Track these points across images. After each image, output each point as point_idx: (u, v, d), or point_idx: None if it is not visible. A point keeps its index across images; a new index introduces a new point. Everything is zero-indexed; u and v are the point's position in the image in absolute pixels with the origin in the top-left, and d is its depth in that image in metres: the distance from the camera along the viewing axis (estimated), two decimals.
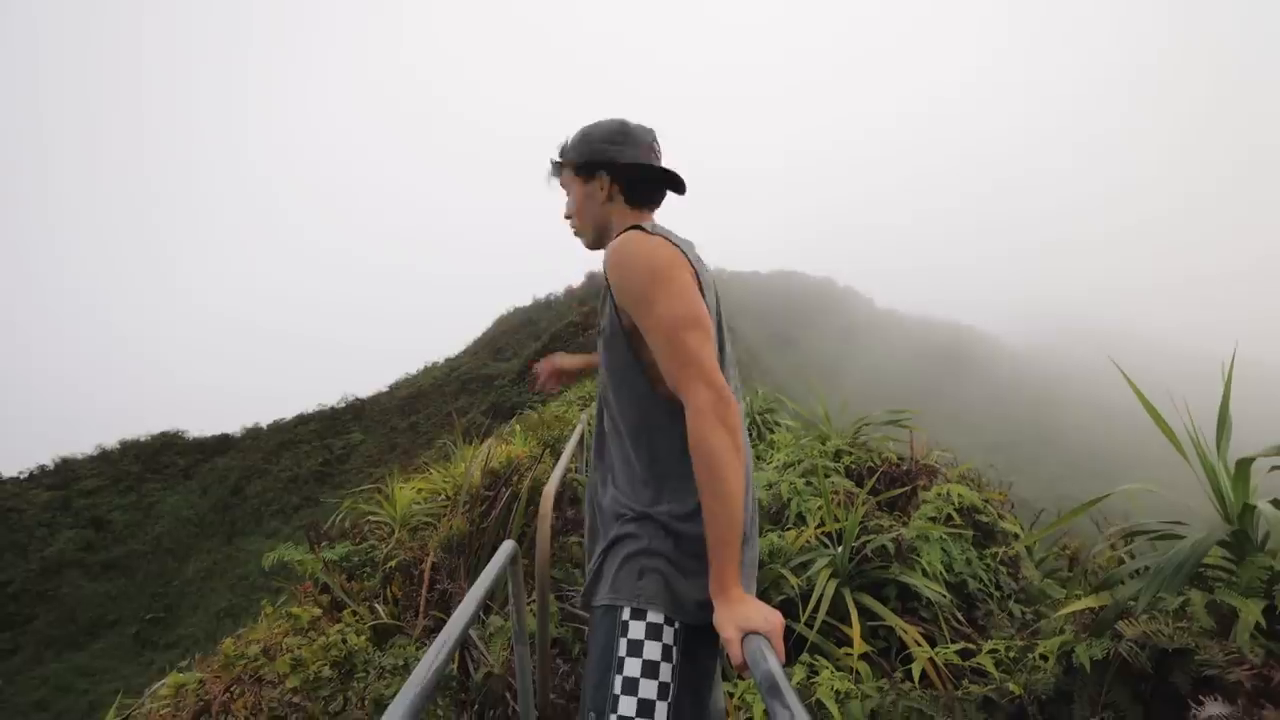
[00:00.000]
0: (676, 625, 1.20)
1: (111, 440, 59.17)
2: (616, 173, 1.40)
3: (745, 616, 1.09)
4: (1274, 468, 1.97)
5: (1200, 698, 1.56)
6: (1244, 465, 1.95)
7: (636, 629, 1.18)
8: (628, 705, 1.14)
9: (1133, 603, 1.93)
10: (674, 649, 1.19)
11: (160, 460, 57.72)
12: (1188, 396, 2.07)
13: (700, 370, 1.17)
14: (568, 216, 1.48)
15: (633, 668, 1.16)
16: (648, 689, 1.15)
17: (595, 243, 1.46)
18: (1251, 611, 1.69)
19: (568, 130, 1.52)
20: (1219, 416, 2.17)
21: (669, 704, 1.16)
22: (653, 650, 1.17)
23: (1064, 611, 2.12)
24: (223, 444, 60.29)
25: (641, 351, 1.29)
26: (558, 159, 1.47)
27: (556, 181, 1.51)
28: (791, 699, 0.98)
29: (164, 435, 60.90)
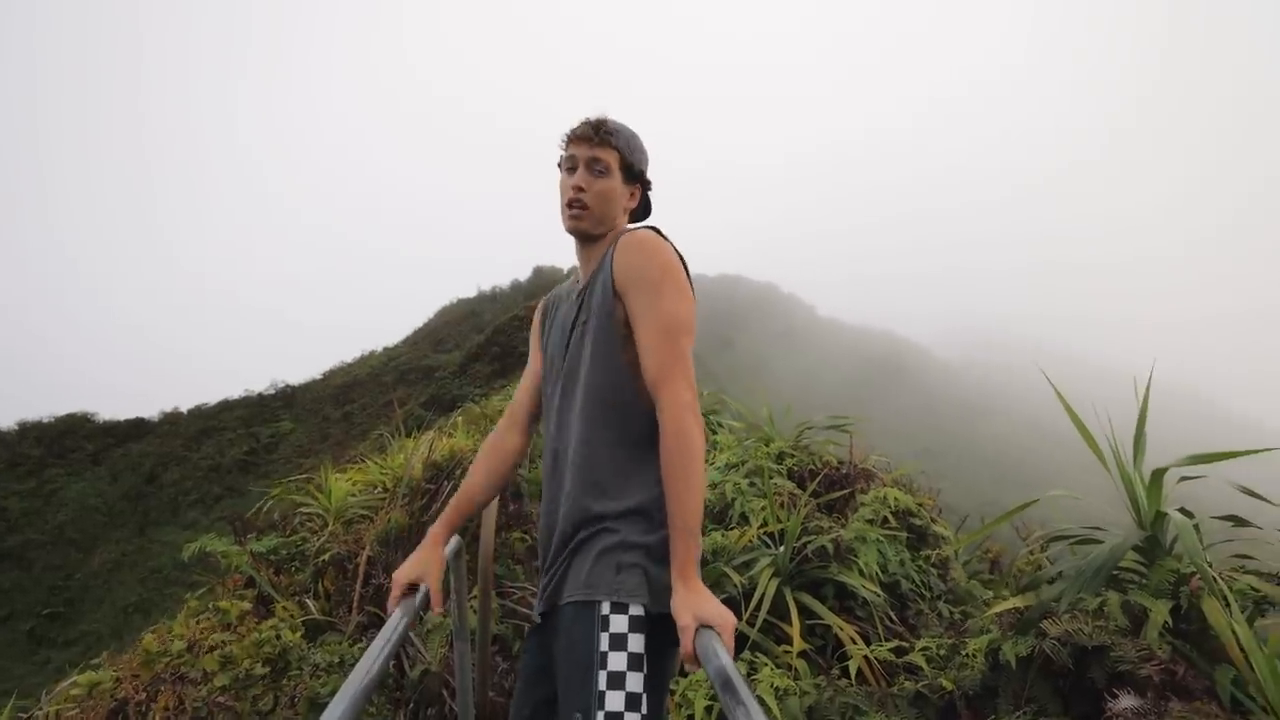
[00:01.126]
0: (653, 616, 1.21)
1: (8, 421, 54.73)
2: (646, 191, 1.50)
3: (701, 608, 1.12)
4: (1184, 478, 2.12)
5: (1114, 691, 1.66)
6: (1158, 476, 2.09)
7: (618, 623, 1.18)
8: (615, 700, 1.13)
9: (1055, 603, 2.04)
10: (654, 640, 1.20)
11: (65, 444, 53.75)
12: (1114, 416, 2.22)
13: (686, 370, 1.27)
14: (581, 190, 1.36)
15: (617, 662, 1.15)
16: (634, 682, 1.14)
17: (591, 229, 1.39)
18: (1160, 611, 1.81)
19: (588, 112, 1.43)
20: (1136, 431, 2.33)
21: (654, 696, 1.18)
22: (636, 643, 1.17)
23: (992, 611, 2.23)
24: (137, 429, 56.66)
25: (626, 341, 1.31)
26: (607, 134, 1.38)
27: (575, 146, 1.39)
28: (745, 694, 0.99)
29: (70, 418, 56.71)
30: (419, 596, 1.34)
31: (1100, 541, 2.25)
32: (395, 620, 1.26)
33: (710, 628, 1.10)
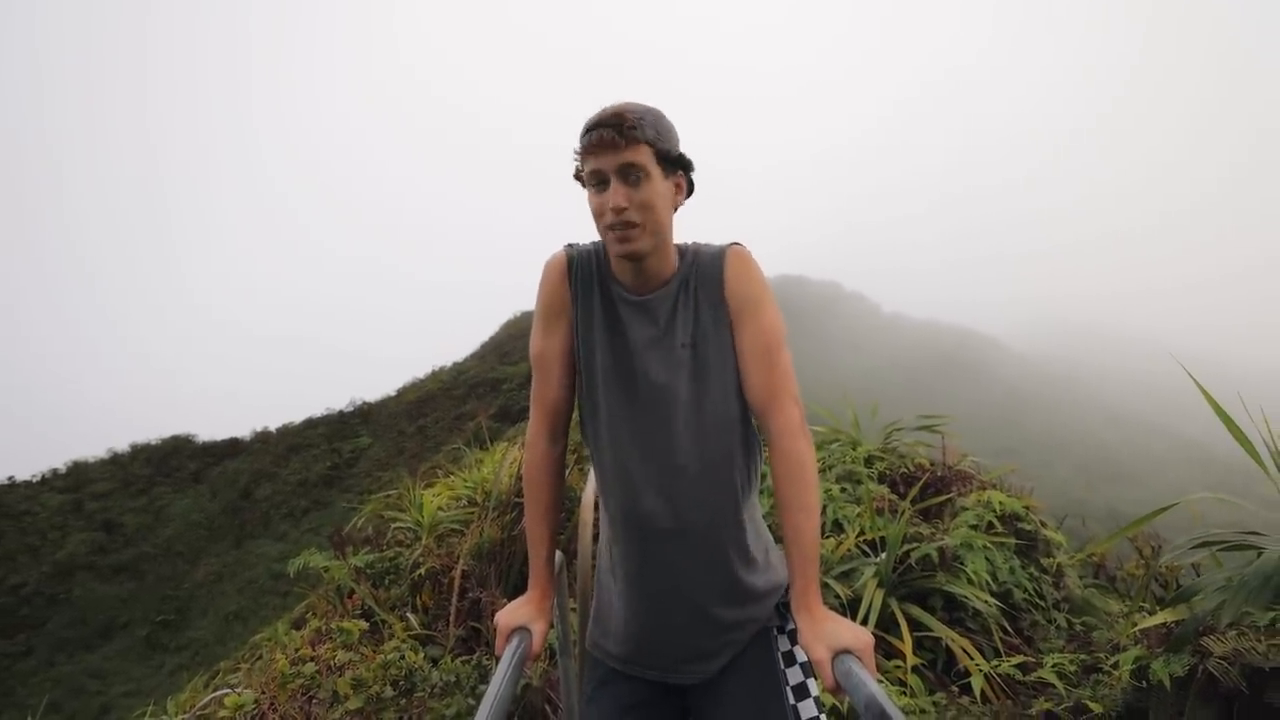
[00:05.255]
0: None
1: (122, 444, 59.56)
2: (689, 179, 1.23)
3: (834, 634, 1.05)
4: None
5: None
6: None
7: (783, 641, 1.24)
8: (808, 708, 1.19)
9: (1212, 618, 1.85)
10: None
11: (170, 464, 58.06)
12: (1195, 401, 2.00)
13: (793, 386, 1.19)
14: (623, 208, 1.13)
15: (795, 675, 1.22)
16: (814, 687, 1.21)
17: (648, 248, 1.17)
18: None
19: (612, 100, 1.18)
20: None
21: None
22: (801, 654, 1.23)
23: (1143, 625, 2.04)
24: (232, 448, 60.56)
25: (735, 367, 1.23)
26: (632, 130, 1.12)
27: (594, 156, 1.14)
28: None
29: (174, 439, 61.24)
30: (525, 639, 1.24)
31: (1255, 548, 2.03)
32: (506, 663, 1.17)
33: (849, 653, 1.03)
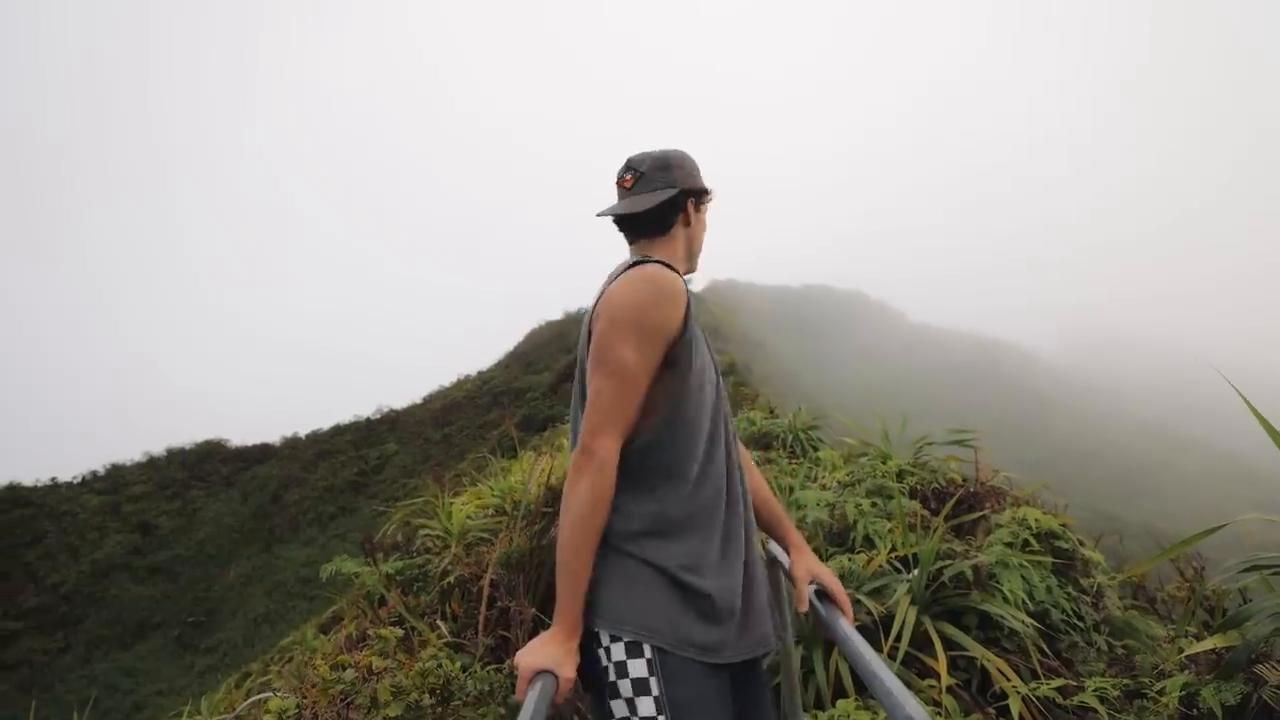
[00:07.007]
0: None
1: (158, 448, 61.13)
2: None
3: (815, 568, 1.54)
4: None
5: None
6: None
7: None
8: None
9: (1265, 644, 1.79)
10: None
11: (204, 468, 59.41)
12: (1233, 411, 1.93)
13: None
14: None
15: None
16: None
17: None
18: None
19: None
20: None
21: None
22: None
23: (1190, 651, 1.98)
24: (263, 453, 61.77)
25: None
26: None
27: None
28: (852, 636, 1.16)
29: (208, 444, 62.69)
30: (550, 684, 1.15)
31: None
32: (529, 709, 1.08)
33: (822, 587, 1.50)
